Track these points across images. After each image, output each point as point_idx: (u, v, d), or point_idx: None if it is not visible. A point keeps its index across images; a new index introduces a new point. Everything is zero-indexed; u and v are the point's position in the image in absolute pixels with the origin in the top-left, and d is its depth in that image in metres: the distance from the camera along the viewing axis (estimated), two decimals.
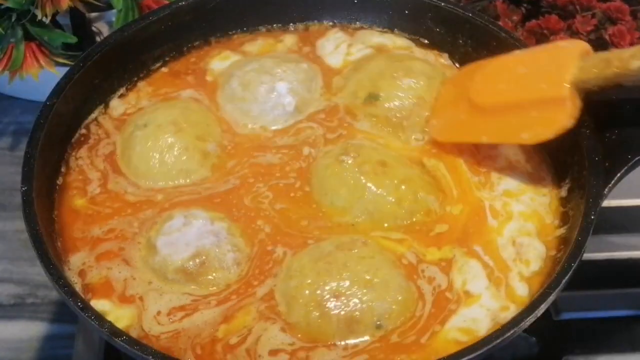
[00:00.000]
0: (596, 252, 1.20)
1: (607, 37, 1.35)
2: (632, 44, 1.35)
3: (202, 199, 1.04)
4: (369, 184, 1.03)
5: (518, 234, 1.02)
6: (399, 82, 1.13)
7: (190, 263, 0.97)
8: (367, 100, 1.13)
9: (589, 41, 1.30)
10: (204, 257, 0.97)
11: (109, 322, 0.87)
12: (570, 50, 0.99)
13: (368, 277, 0.94)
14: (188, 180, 1.06)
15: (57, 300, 1.21)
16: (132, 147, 1.08)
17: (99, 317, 0.87)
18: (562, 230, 1.02)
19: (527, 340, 1.12)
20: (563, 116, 0.96)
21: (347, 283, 0.93)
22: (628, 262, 1.22)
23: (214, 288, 0.96)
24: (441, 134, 1.09)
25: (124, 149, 1.09)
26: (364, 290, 0.93)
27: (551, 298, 0.88)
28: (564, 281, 0.89)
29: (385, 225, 1.02)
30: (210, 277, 0.97)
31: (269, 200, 1.04)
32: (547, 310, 0.89)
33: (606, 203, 0.97)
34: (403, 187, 1.03)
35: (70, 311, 0.88)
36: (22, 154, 0.99)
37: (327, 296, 0.93)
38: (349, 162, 1.04)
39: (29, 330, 1.19)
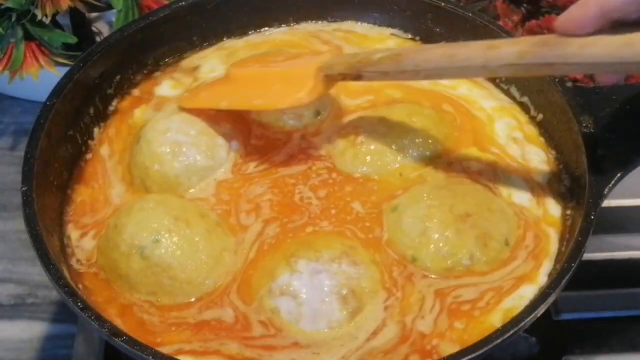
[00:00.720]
0: (596, 252, 1.19)
1: None
2: None
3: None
4: (390, 138, 1.06)
5: (508, 129, 1.10)
6: None
7: (348, 306, 0.91)
8: None
9: None
10: (345, 289, 0.92)
11: (109, 322, 0.87)
12: (326, 52, 1.12)
13: (487, 204, 1.00)
14: (231, 258, 0.98)
15: (57, 300, 1.21)
16: (160, 267, 0.94)
17: (99, 317, 0.87)
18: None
19: (527, 340, 1.12)
20: (302, 92, 1.03)
21: (474, 206, 0.99)
22: (628, 262, 1.22)
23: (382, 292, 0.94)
24: (186, 102, 1.12)
25: (140, 281, 0.95)
26: (489, 214, 0.99)
27: (551, 298, 0.88)
28: (564, 281, 0.89)
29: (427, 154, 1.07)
30: (371, 287, 0.93)
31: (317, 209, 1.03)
32: (547, 310, 0.89)
33: (606, 203, 0.97)
34: (413, 119, 1.08)
35: (70, 311, 0.88)
36: (22, 154, 0.99)
37: (460, 215, 0.97)
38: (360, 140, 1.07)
39: (29, 330, 1.19)
